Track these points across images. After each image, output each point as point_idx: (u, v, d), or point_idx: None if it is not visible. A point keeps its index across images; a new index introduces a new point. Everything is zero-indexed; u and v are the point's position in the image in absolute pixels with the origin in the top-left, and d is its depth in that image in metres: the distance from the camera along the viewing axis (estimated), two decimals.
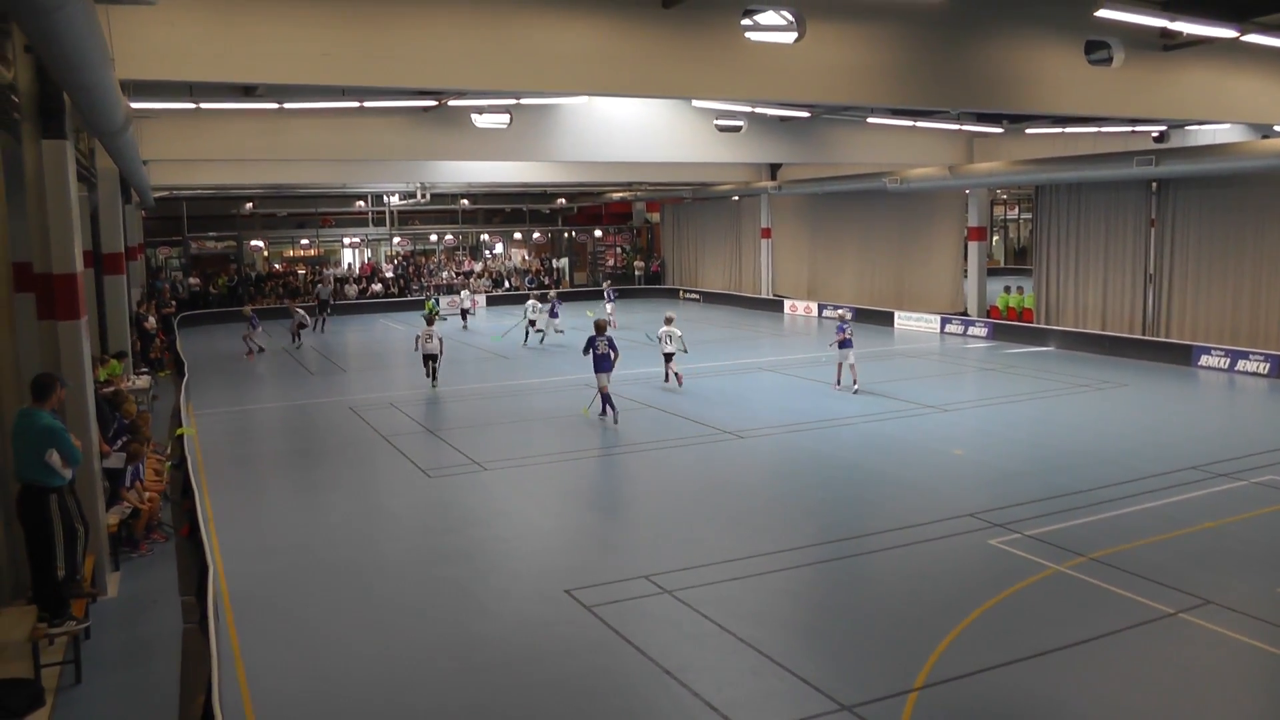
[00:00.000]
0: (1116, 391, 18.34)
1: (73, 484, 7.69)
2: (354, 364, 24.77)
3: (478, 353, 25.47)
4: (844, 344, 18.34)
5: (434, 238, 44.07)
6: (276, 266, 41.04)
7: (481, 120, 18.76)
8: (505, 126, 18.78)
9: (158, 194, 28.67)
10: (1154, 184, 22.32)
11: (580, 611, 8.33)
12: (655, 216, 45.79)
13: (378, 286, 39.83)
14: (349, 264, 42.73)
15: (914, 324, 28.55)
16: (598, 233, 46.54)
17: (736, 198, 36.75)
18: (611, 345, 16.25)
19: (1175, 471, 12.41)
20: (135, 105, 14.10)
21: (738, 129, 21.19)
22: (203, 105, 16.12)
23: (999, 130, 23.48)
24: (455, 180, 31.17)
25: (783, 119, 21.62)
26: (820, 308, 32.05)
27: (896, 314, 29.32)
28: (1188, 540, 9.92)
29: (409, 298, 38.82)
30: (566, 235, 46.43)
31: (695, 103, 19.08)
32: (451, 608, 8.57)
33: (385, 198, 40.99)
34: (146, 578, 9.38)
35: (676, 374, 19.02)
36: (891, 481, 12.33)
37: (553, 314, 26.86)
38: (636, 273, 44.71)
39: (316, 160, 25.65)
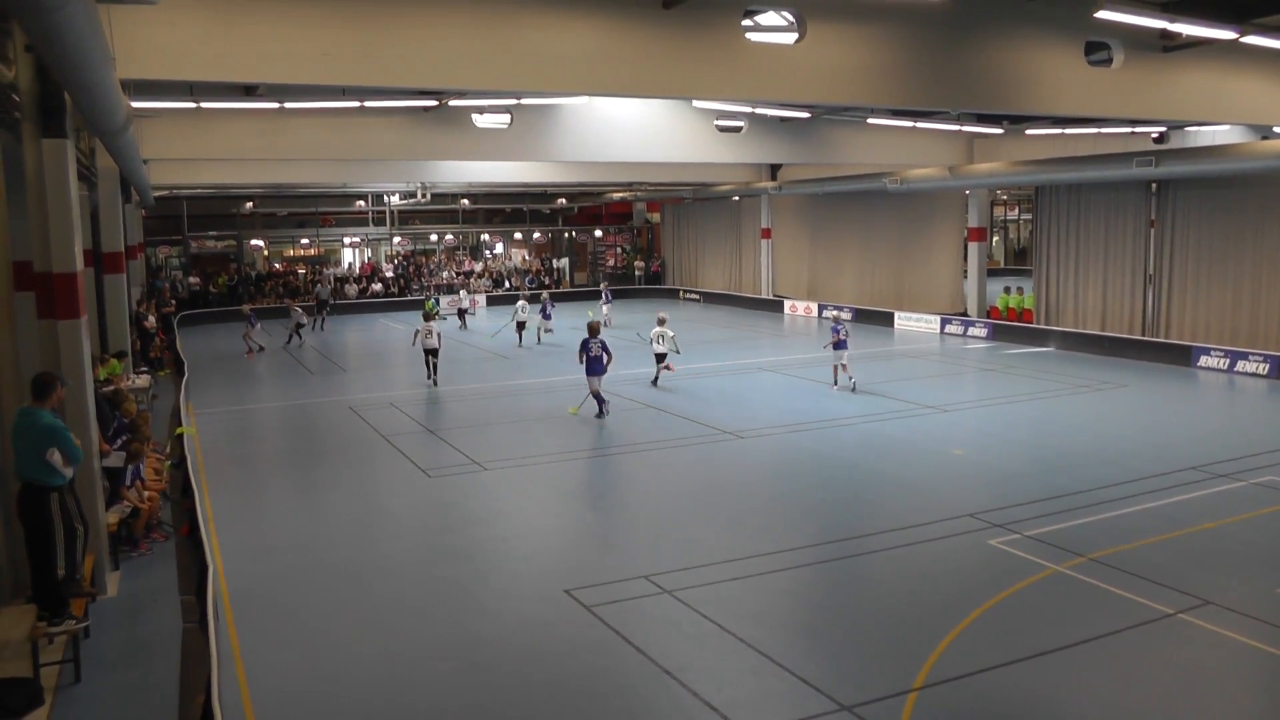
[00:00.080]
0: (1116, 392, 18.35)
1: (73, 483, 7.69)
2: (354, 363, 24.77)
3: (476, 352, 25.47)
4: (838, 345, 18.41)
5: (434, 237, 44.09)
6: (276, 266, 41.04)
7: (482, 120, 18.77)
8: (505, 126, 18.79)
9: (158, 193, 28.66)
10: (1153, 185, 22.33)
11: (580, 611, 8.33)
12: (655, 217, 45.80)
13: (378, 286, 39.84)
14: (349, 264, 42.74)
15: (914, 324, 28.56)
16: (598, 233, 46.55)
17: (737, 198, 36.76)
18: (604, 348, 16.36)
19: (1175, 472, 12.42)
20: (136, 104, 14.11)
21: (738, 129, 21.20)
22: (203, 105, 16.12)
23: (999, 131, 23.49)
24: (455, 180, 31.19)
25: (783, 119, 21.62)
26: (820, 308, 32.04)
27: (896, 314, 29.33)
28: (1187, 541, 9.93)
29: (409, 297, 38.83)
30: (567, 235, 46.43)
31: (695, 103, 19.08)
32: (451, 607, 8.57)
33: (385, 197, 41.00)
34: (146, 577, 9.38)
35: (667, 365, 19.29)
36: (891, 482, 12.33)
37: (545, 315, 26.91)
38: (636, 273, 44.71)
39: (316, 160, 25.66)
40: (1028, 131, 23.13)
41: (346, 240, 43.01)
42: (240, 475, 13.36)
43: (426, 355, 20.20)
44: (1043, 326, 25.11)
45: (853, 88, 12.24)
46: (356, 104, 16.88)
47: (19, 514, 7.41)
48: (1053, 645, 7.52)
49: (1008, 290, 28.05)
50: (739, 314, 34.52)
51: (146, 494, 10.45)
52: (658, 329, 19.38)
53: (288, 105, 16.73)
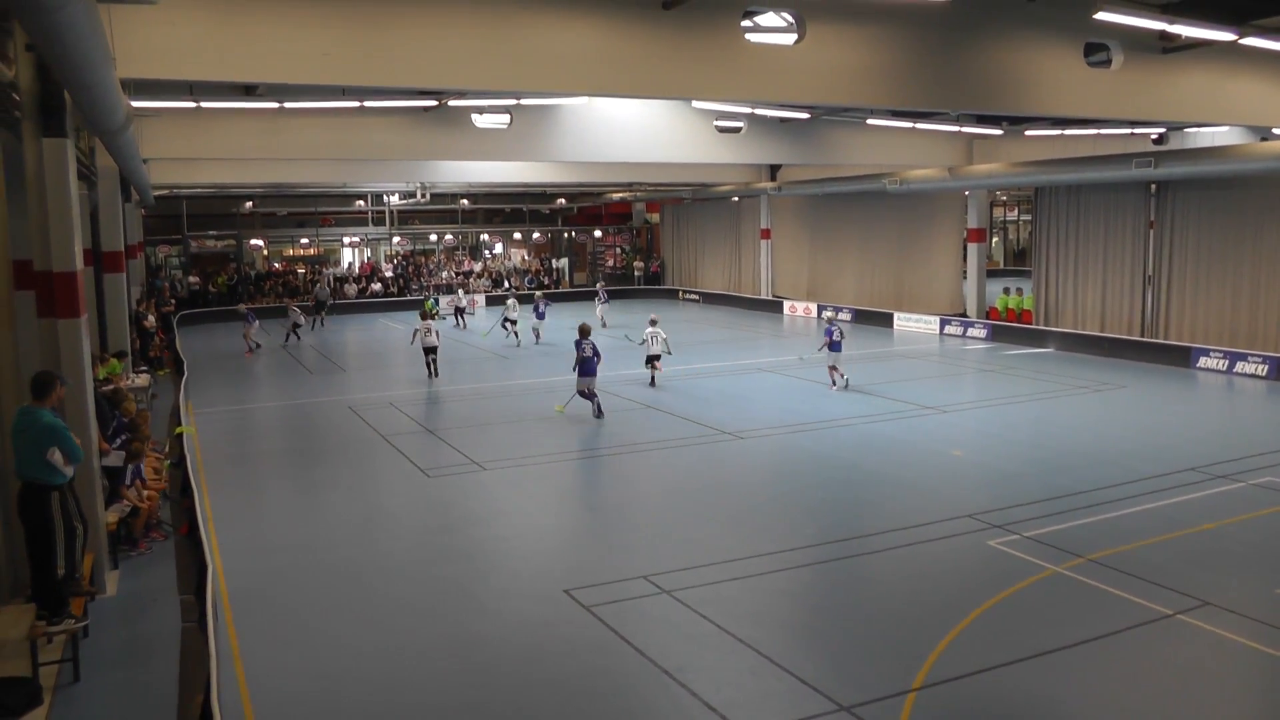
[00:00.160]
0: (1115, 393, 18.36)
1: (72, 482, 7.69)
2: (353, 363, 24.77)
3: (475, 352, 25.48)
4: (833, 346, 18.46)
5: (434, 237, 44.10)
6: (276, 265, 41.05)
7: (481, 120, 18.79)
8: (505, 127, 18.80)
9: (158, 192, 28.65)
10: (1153, 186, 22.35)
11: (579, 611, 8.33)
12: (655, 217, 45.80)
13: (377, 286, 39.85)
14: (349, 263, 42.75)
15: (913, 325, 28.57)
16: (597, 233, 46.55)
17: (736, 198, 36.77)
18: (595, 350, 16.48)
19: (1174, 473, 12.43)
20: (136, 104, 14.11)
21: (737, 130, 21.20)
22: (203, 104, 16.12)
23: (998, 132, 23.50)
24: (455, 180, 31.20)
25: (782, 120, 21.63)
26: (820, 309, 32.06)
27: (896, 315, 29.34)
28: (1186, 541, 9.93)
29: (408, 297, 38.85)
30: (566, 235, 46.44)
31: (695, 104, 19.08)
32: (451, 607, 8.58)
33: (385, 197, 41.01)
34: (145, 576, 9.38)
35: (657, 368, 19.44)
36: (891, 482, 12.34)
37: (539, 315, 27.04)
38: (636, 273, 44.72)
39: (316, 160, 25.67)
40: (1027, 132, 23.14)
41: (346, 240, 43.01)
42: (240, 475, 13.36)
43: (426, 354, 20.62)
44: (1042, 327, 25.12)
45: (852, 89, 12.24)
46: (356, 104, 16.89)
47: (19, 513, 7.41)
48: (1052, 646, 7.53)
49: (1007, 291, 28.07)
50: (738, 315, 34.53)
51: (146, 493, 10.45)
52: (650, 329, 19.49)
53: (288, 105, 16.74)
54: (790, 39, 11.80)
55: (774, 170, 32.79)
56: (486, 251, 45.91)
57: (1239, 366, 20.06)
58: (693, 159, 22.14)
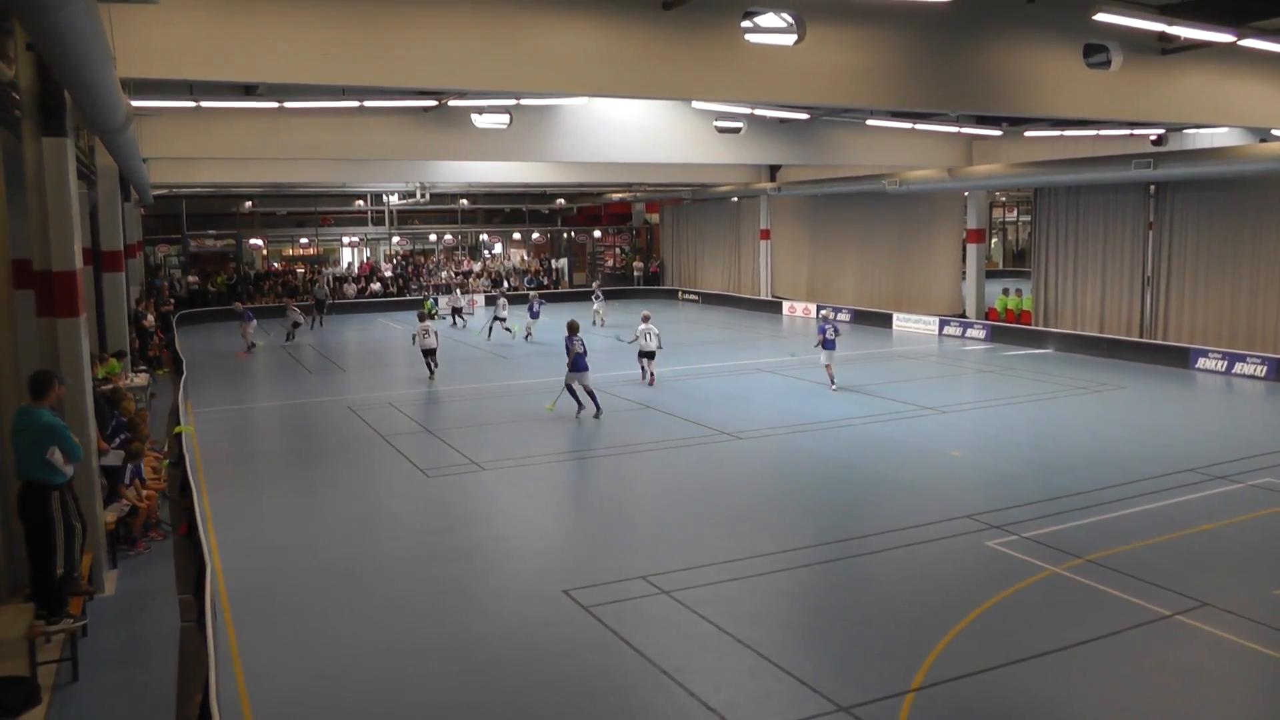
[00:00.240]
0: (1114, 394, 18.38)
1: (71, 481, 7.69)
2: (352, 363, 24.78)
3: (474, 352, 25.48)
4: (827, 344, 18.52)
5: (433, 237, 44.09)
6: (275, 265, 41.05)
7: (481, 120, 18.80)
8: (505, 127, 18.82)
9: (157, 192, 28.66)
10: (1152, 187, 22.36)
11: (579, 612, 8.33)
12: (654, 217, 45.81)
13: (376, 286, 39.85)
14: (348, 263, 42.75)
15: (913, 326, 28.58)
16: (597, 233, 46.56)
17: (736, 199, 36.78)
18: (584, 345, 16.59)
19: (1173, 474, 12.44)
20: (135, 103, 14.11)
21: (737, 130, 21.21)
22: (203, 104, 16.11)
23: (998, 133, 23.51)
24: (455, 180, 31.21)
25: (782, 121, 21.64)
26: (819, 309, 32.07)
27: (895, 316, 29.35)
28: (1185, 542, 9.94)
29: (407, 297, 38.87)
30: (566, 236, 46.44)
31: (695, 104, 19.08)
32: (450, 607, 8.58)
33: (385, 197, 41.01)
34: (144, 576, 9.38)
35: (651, 372, 19.58)
36: (889, 483, 12.34)
37: (533, 314, 27.18)
38: (635, 274, 44.73)
39: (316, 159, 25.68)
40: (1026, 133, 23.16)
41: (345, 240, 43.01)
42: (239, 474, 13.35)
43: (425, 355, 20.69)
44: (1041, 328, 25.14)
45: (852, 89, 12.25)
46: (356, 104, 16.89)
47: (19, 513, 7.41)
48: (1050, 646, 7.53)
49: (1006, 292, 28.09)
50: (738, 315, 34.53)
51: (145, 493, 10.44)
52: (642, 326, 19.59)
53: (287, 105, 16.74)
54: (790, 39, 11.80)
55: (773, 171, 32.80)
56: (486, 252, 45.90)
57: (1238, 367, 20.07)
58: (692, 159, 22.16)
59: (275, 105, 16.65)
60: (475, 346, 26.45)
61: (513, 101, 17.85)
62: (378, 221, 42.42)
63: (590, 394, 16.46)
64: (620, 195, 40.39)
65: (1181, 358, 21.24)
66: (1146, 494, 11.58)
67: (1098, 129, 21.84)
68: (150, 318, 24.22)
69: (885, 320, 29.49)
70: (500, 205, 44.43)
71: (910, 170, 26.30)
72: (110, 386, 12.88)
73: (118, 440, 10.51)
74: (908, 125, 22.51)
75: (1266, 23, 12.77)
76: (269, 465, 14.18)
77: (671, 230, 43.46)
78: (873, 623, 8.15)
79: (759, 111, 20.14)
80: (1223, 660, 7.42)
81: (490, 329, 27.57)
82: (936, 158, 25.27)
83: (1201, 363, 20.77)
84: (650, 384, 19.43)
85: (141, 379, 18.10)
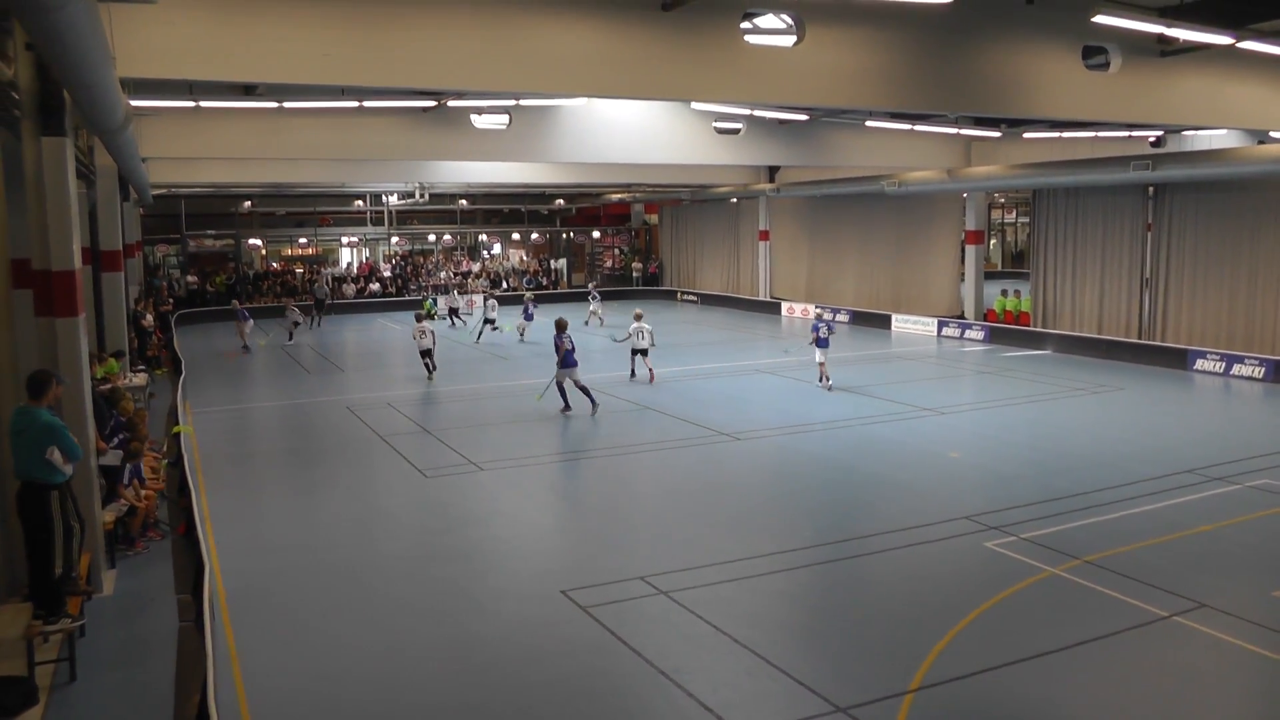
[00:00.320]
0: (1112, 395, 18.39)
1: (69, 481, 7.69)
2: (351, 363, 24.78)
3: (472, 352, 25.48)
4: (819, 343, 18.58)
5: (432, 238, 44.08)
6: (274, 265, 41.04)
7: (481, 121, 18.80)
8: (504, 127, 18.83)
9: (156, 192, 28.64)
10: (1150, 188, 22.38)
11: (577, 612, 8.33)
12: (653, 218, 45.81)
13: (375, 286, 39.85)
14: (347, 263, 42.75)
15: (911, 327, 28.59)
16: (596, 234, 46.56)
17: (735, 200, 36.78)
18: (573, 343, 16.72)
19: (1171, 475, 12.44)
20: (135, 103, 14.10)
21: (736, 131, 21.22)
22: (202, 104, 16.11)
23: (997, 134, 23.53)
24: (454, 180, 31.21)
25: (781, 121, 21.64)
26: (818, 310, 32.08)
27: (894, 317, 29.37)
28: (1183, 543, 9.95)
29: (406, 297, 38.86)
30: (565, 236, 46.44)
31: (694, 105, 19.10)
32: (449, 607, 8.57)
33: (384, 197, 41.00)
34: (143, 576, 9.37)
35: (650, 369, 19.67)
36: (888, 484, 12.35)
37: (527, 316, 27.25)
38: (634, 274, 44.73)
39: (316, 159, 25.70)
40: (1025, 135, 23.17)
41: (344, 240, 43.01)
42: (237, 474, 13.35)
43: (421, 356, 20.78)
44: (1040, 329, 25.15)
45: (851, 90, 12.26)
46: (355, 104, 16.89)
47: (19, 513, 7.41)
48: (1049, 647, 7.54)
49: (1005, 293, 28.09)
50: (736, 316, 34.54)
51: (143, 493, 10.44)
52: (636, 324, 19.70)
53: (287, 105, 16.74)
54: (789, 41, 11.80)
55: (772, 172, 32.80)
56: (485, 252, 45.90)
57: (1236, 369, 20.09)
58: (691, 160, 22.17)
59: (275, 105, 16.65)
60: (471, 347, 26.46)
61: (512, 102, 17.85)
62: (377, 222, 42.41)
63: (583, 390, 16.56)
64: (619, 196, 40.40)
65: (1180, 359, 21.25)
66: (1145, 495, 11.59)
67: (1096, 131, 21.86)
68: (149, 317, 24.21)
69: (884, 321, 29.50)
70: (499, 206, 44.42)
71: (909, 171, 26.30)
72: (109, 386, 12.88)
73: (116, 440, 10.51)
74: (907, 126, 22.53)
75: (1265, 25, 12.78)
76: (268, 465, 14.17)
77: (670, 231, 43.47)
78: (871, 623, 8.15)
79: (758, 112, 20.15)
80: (1221, 661, 7.42)
81: (480, 332, 27.51)
82: (935, 159, 25.29)
83: (1200, 364, 20.79)
84: (650, 380, 19.47)
85: (140, 379, 18.10)
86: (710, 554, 9.75)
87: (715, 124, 20.60)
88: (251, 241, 40.47)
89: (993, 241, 48.87)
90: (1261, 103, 15.20)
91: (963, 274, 29.01)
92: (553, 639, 7.85)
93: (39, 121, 8.50)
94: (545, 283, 42.94)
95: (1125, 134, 21.80)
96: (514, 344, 26.56)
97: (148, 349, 22.89)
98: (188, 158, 22.81)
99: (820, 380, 18.86)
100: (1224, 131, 20.12)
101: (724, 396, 18.54)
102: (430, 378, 20.58)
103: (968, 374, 21.71)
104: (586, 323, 29.43)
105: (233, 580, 9.17)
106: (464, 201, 42.15)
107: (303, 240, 41.86)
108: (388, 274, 41.15)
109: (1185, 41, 13.22)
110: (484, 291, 37.56)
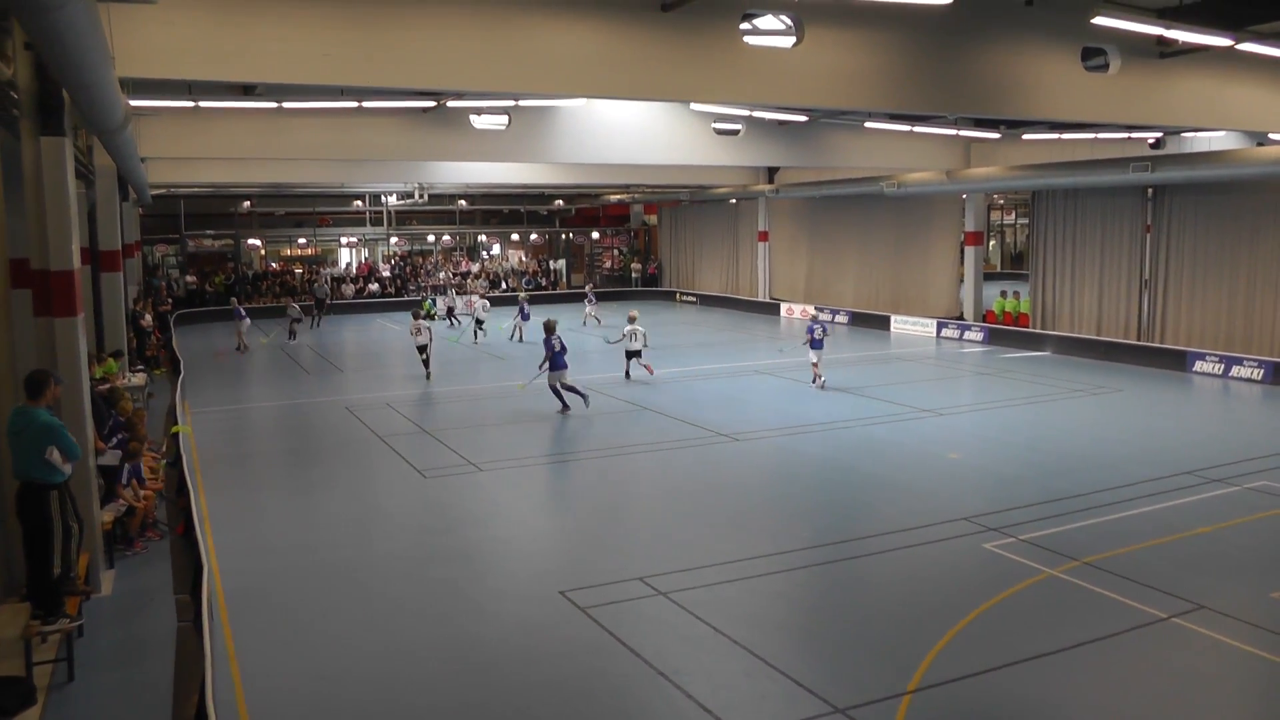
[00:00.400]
0: (1111, 396, 18.39)
1: (68, 481, 7.68)
2: (350, 364, 24.77)
3: (471, 353, 25.48)
4: (814, 344, 18.63)
5: (431, 238, 44.08)
6: (273, 265, 41.04)
7: (480, 121, 18.81)
8: (504, 128, 18.84)
9: (155, 192, 28.64)
10: (1149, 190, 22.39)
11: (576, 613, 8.33)
12: (653, 219, 45.82)
13: (374, 286, 39.83)
14: (346, 263, 42.74)
15: (910, 328, 28.60)
16: (595, 234, 46.57)
17: (734, 201, 36.79)
18: (563, 344, 16.85)
19: (1170, 476, 12.45)
20: (134, 103, 14.09)
21: (736, 132, 21.23)
22: (202, 104, 16.11)
23: (996, 136, 23.55)
24: (453, 181, 31.22)
25: (781, 122, 21.66)
26: (817, 311, 32.09)
27: (893, 318, 29.37)
28: (1182, 545, 9.95)
29: (405, 298, 38.86)
30: (564, 237, 46.44)
31: (693, 106, 19.10)
32: (447, 608, 8.57)
33: (383, 198, 41.01)
34: (141, 576, 9.37)
35: (646, 365, 19.97)
36: (887, 485, 12.35)
37: (523, 316, 27.29)
38: (633, 275, 44.73)
39: (315, 160, 25.69)
40: (1024, 136, 23.19)
41: (344, 240, 43.01)
42: (236, 474, 13.34)
43: (418, 353, 21.05)
44: (1039, 331, 25.15)
45: (850, 91, 12.27)
46: (355, 104, 16.90)
47: (18, 513, 7.40)
48: (1047, 649, 7.54)
49: (1004, 294, 28.09)
50: (736, 317, 34.55)
51: (142, 493, 10.43)
52: (630, 327, 19.77)
53: (286, 105, 16.74)
54: (788, 41, 11.81)
55: (772, 173, 32.82)
56: (484, 252, 45.90)
57: (1235, 370, 20.10)
58: (691, 161, 22.18)
59: (274, 105, 16.65)
60: (467, 347, 26.46)
61: (511, 102, 17.86)
62: (376, 222, 42.42)
63: (571, 389, 16.71)
64: (618, 197, 40.40)
65: (1179, 361, 21.26)
66: (1144, 496, 11.60)
67: (1096, 132, 21.88)
68: (148, 317, 24.21)
69: (883, 322, 29.51)
70: (498, 206, 44.44)
71: (908, 172, 26.32)
72: (108, 386, 12.86)
73: (115, 440, 10.50)
74: (906, 128, 22.54)
75: (1264, 27, 12.79)
76: (266, 465, 14.17)
77: (669, 232, 43.47)
78: (870, 624, 8.15)
79: (757, 113, 20.16)
80: (1219, 663, 7.43)
81: (475, 333, 27.56)
82: (934, 160, 25.31)
83: (1199, 366, 20.80)
84: (650, 372, 19.80)
85: (139, 379, 18.09)
86: (709, 555, 9.75)
87: (714, 125, 20.61)
88: (251, 241, 40.48)
89: (992, 243, 48.90)
90: (1260, 104, 15.22)
91: (962, 275, 29.01)
92: (551, 640, 7.85)
93: (38, 121, 8.50)
94: (544, 283, 42.92)
95: (1124, 135, 21.82)
96: (511, 345, 26.56)
97: (146, 349, 22.88)
98: (187, 158, 22.82)
99: (813, 381, 18.91)
100: (1223, 133, 20.14)
101: (723, 397, 18.54)
102: (428, 378, 20.61)
103: (967, 375, 21.72)
104: (584, 323, 29.42)
105: (231, 580, 9.17)
106: (463, 202, 42.16)
107: (302, 240, 41.87)
108: (387, 274, 41.14)
109: (1184, 43, 13.23)
110: (479, 292, 37.61)
